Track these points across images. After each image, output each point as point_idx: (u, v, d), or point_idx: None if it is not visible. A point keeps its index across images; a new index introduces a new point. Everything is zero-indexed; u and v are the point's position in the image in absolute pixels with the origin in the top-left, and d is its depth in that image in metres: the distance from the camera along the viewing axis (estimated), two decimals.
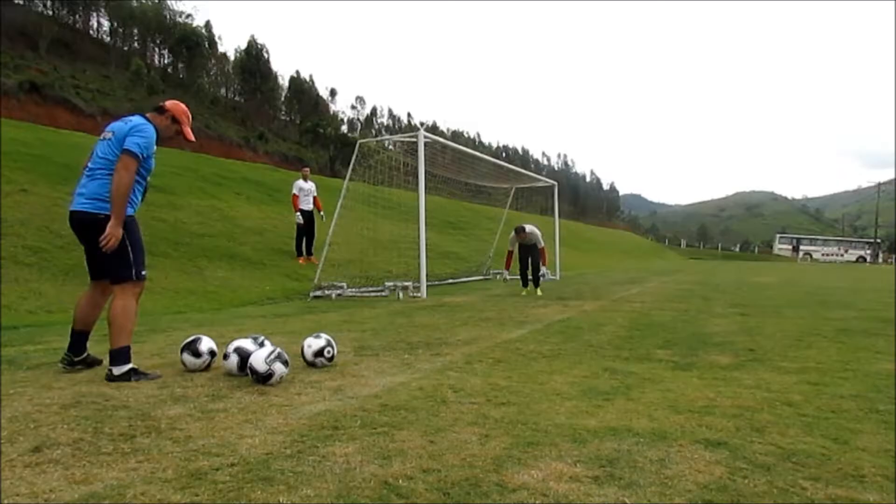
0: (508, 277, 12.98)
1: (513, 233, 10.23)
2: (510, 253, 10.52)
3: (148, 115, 3.79)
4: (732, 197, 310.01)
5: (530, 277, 10.34)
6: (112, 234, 3.43)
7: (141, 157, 3.56)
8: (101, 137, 3.67)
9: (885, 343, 5.19)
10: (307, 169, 12.78)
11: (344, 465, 2.13)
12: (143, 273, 3.67)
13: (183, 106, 3.96)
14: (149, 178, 3.83)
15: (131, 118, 3.71)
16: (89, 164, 3.64)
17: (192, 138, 3.98)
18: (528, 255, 10.27)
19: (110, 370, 3.44)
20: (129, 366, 3.47)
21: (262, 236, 12.35)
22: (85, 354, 3.74)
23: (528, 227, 10.14)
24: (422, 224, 9.61)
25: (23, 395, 3.03)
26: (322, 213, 12.04)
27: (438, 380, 3.51)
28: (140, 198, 3.77)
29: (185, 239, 10.33)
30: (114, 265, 3.55)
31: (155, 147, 3.71)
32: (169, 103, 3.93)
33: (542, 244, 10.31)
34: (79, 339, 3.69)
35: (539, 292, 10.27)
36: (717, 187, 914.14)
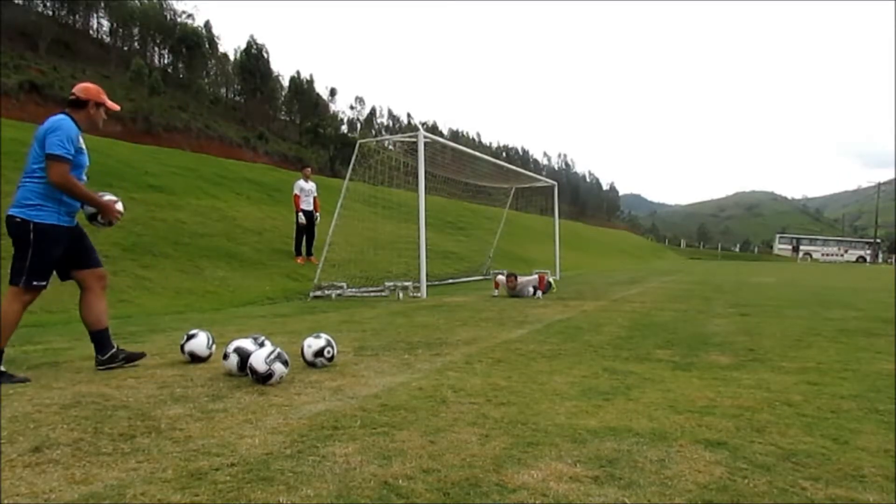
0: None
1: (503, 277, 9.96)
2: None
3: (67, 110, 3.68)
4: (732, 197, 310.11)
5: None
6: (110, 209, 3.71)
7: (66, 156, 3.50)
8: (32, 143, 3.61)
9: (885, 343, 5.19)
10: (308, 169, 12.72)
11: (344, 465, 2.13)
12: (35, 283, 3.53)
13: (89, 84, 3.87)
14: (86, 174, 3.75)
15: (50, 119, 3.61)
16: (25, 171, 3.61)
17: (117, 107, 3.93)
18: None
19: None
20: None
21: (262, 236, 12.34)
22: (111, 353, 3.75)
23: (521, 279, 9.83)
24: (422, 224, 9.61)
25: (23, 395, 3.03)
26: (318, 214, 11.94)
27: (438, 380, 3.51)
28: (79, 203, 3.68)
29: (185, 239, 10.32)
30: (12, 268, 3.53)
31: (81, 140, 3.63)
32: (81, 93, 3.76)
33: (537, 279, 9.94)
34: (96, 339, 3.76)
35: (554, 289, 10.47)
36: (717, 187, 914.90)
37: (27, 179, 3.56)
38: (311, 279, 9.68)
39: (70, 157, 3.53)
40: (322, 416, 2.72)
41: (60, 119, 3.58)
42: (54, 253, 3.59)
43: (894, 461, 2.26)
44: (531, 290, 9.66)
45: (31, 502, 1.82)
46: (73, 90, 3.80)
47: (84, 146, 3.70)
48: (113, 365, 3.73)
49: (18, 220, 3.49)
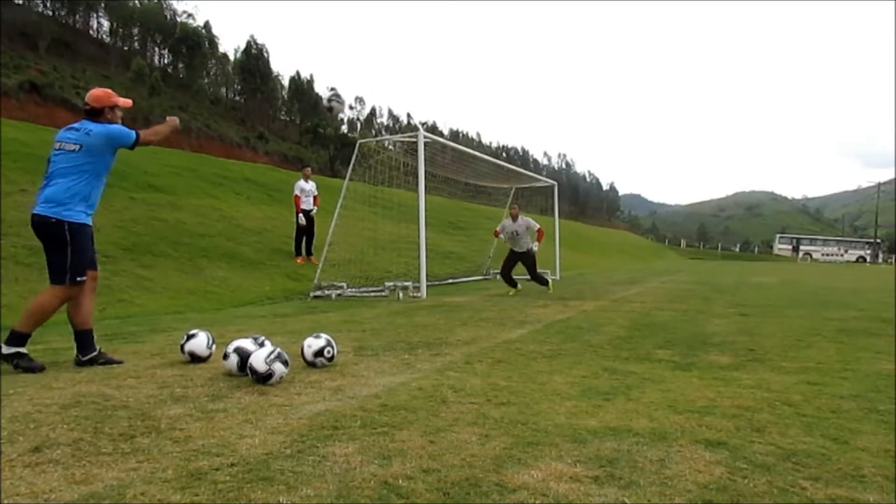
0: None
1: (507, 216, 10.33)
2: (496, 232, 10.65)
3: (96, 121, 3.87)
4: (732, 197, 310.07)
5: (527, 278, 10.37)
6: (175, 125, 4.15)
7: (133, 134, 3.86)
8: (59, 148, 3.77)
9: (885, 343, 5.19)
10: (308, 169, 12.71)
11: (344, 465, 2.13)
12: (78, 279, 3.77)
13: (98, 91, 4.04)
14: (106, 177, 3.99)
15: (88, 127, 3.80)
16: (47, 174, 3.77)
17: (129, 103, 4.12)
18: (518, 258, 10.28)
19: (2, 345, 3.62)
20: (18, 349, 3.64)
21: (262, 236, 12.34)
22: (93, 354, 3.87)
23: (521, 219, 10.15)
24: (422, 224, 9.61)
25: (23, 395, 3.03)
26: (316, 207, 11.91)
27: (438, 380, 3.51)
28: (97, 197, 3.91)
29: (185, 239, 10.32)
30: (53, 267, 3.73)
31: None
32: (93, 101, 3.93)
33: (538, 226, 10.23)
34: (81, 339, 3.86)
35: (550, 289, 10.41)
36: (717, 187, 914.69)
37: (61, 180, 3.72)
38: (311, 279, 9.68)
39: (134, 136, 3.85)
40: (322, 416, 2.72)
41: (105, 126, 3.84)
42: (90, 248, 3.84)
43: (894, 461, 2.26)
44: (528, 241, 10.08)
45: (31, 502, 1.82)
46: (87, 100, 3.97)
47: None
48: (92, 364, 3.84)
49: (53, 220, 3.67)
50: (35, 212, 3.72)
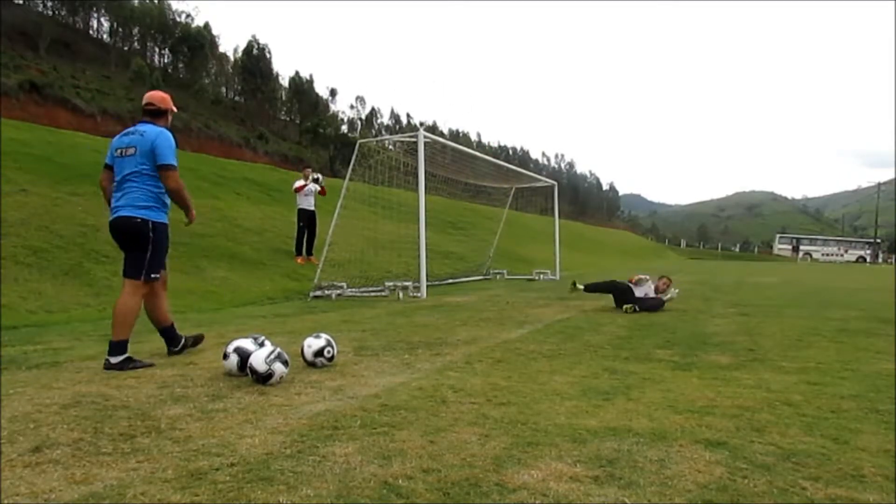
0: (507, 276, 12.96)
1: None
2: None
3: (153, 122, 4.00)
4: (732, 197, 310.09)
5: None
6: (192, 219, 4.14)
7: (176, 164, 3.95)
8: (120, 154, 3.92)
9: (885, 343, 5.18)
10: (309, 169, 12.69)
11: (344, 465, 2.13)
12: (153, 275, 3.97)
13: (164, 93, 4.21)
14: None
15: (142, 129, 3.92)
16: (119, 180, 3.92)
17: (175, 109, 4.27)
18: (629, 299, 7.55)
19: (108, 360, 3.71)
20: (125, 355, 3.75)
21: (262, 236, 12.34)
22: (181, 343, 4.24)
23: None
24: (422, 224, 9.61)
25: (23, 395, 3.03)
26: (321, 181, 11.89)
27: (438, 380, 3.51)
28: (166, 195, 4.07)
29: (185, 239, 10.32)
30: (131, 264, 3.92)
31: None
32: (160, 102, 4.09)
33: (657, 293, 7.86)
34: (164, 335, 4.19)
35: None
36: (717, 187, 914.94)
37: (134, 185, 3.86)
38: (311, 279, 9.68)
39: (173, 163, 3.93)
40: (322, 416, 2.72)
41: (164, 132, 3.94)
42: (167, 248, 4.06)
43: (894, 461, 2.26)
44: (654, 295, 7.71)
45: (31, 502, 1.82)
46: (151, 100, 4.09)
47: None
48: (182, 351, 4.19)
49: (139, 220, 3.84)
50: (119, 215, 3.86)
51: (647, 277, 7.90)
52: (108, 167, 4.01)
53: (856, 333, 5.80)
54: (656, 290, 7.90)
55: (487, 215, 21.56)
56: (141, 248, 3.88)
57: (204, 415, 2.73)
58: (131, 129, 3.99)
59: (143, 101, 4.13)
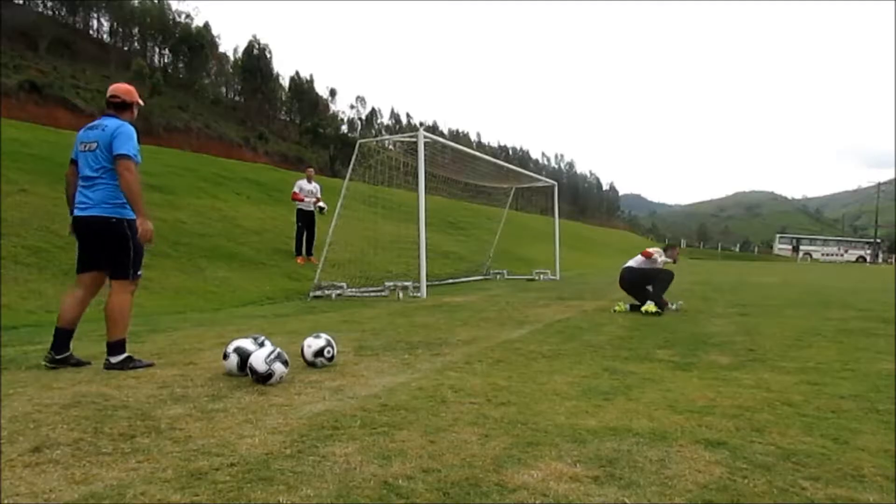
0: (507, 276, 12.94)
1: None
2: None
3: (117, 115, 3.85)
4: (732, 197, 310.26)
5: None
6: (146, 229, 3.75)
7: (137, 158, 3.75)
8: (84, 149, 3.78)
9: (885, 343, 5.18)
10: (311, 169, 12.66)
11: (344, 465, 2.13)
12: (139, 273, 3.94)
13: (129, 85, 4.09)
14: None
15: (105, 123, 3.79)
16: (84, 176, 3.78)
17: (142, 103, 4.14)
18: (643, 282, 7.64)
19: (108, 360, 3.69)
20: (125, 355, 3.72)
21: (262, 236, 12.35)
22: (68, 353, 3.79)
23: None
24: (422, 224, 9.61)
25: (23, 395, 3.03)
26: (321, 204, 11.78)
27: (438, 380, 3.51)
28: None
29: (185, 239, 10.32)
30: (116, 264, 3.81)
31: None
32: (125, 95, 3.92)
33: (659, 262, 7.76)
34: (63, 337, 3.79)
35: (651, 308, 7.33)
36: (716, 187, 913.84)
37: (101, 181, 3.72)
38: (311, 279, 9.68)
39: (131, 156, 3.72)
40: (322, 416, 2.72)
41: (122, 123, 3.77)
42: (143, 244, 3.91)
43: (894, 461, 2.25)
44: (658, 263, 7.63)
45: (31, 502, 1.82)
46: (116, 93, 3.93)
47: None
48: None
49: (114, 220, 3.74)
50: (91, 213, 3.73)
51: (660, 252, 7.93)
52: (74, 162, 3.86)
53: (856, 333, 5.80)
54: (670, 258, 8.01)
55: (487, 215, 21.55)
56: (122, 248, 3.78)
57: (204, 415, 2.73)
58: (95, 122, 3.84)
59: (108, 94, 3.91)
